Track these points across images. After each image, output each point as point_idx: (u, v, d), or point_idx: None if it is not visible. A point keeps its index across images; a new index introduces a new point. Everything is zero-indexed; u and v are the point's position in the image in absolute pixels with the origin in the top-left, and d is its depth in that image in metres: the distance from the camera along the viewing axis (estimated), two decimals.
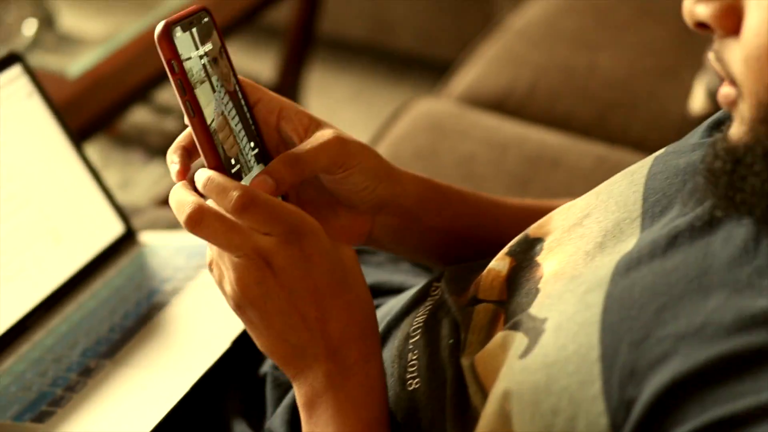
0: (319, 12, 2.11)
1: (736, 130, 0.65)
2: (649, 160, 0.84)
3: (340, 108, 2.75)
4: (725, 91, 0.64)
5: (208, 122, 0.76)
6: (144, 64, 1.69)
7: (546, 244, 0.82)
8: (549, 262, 0.79)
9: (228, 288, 0.75)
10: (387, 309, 0.92)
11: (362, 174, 0.83)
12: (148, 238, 1.15)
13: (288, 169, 0.77)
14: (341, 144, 0.80)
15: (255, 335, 0.76)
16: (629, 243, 0.75)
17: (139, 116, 2.48)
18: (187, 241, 1.13)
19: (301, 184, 0.83)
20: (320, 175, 0.82)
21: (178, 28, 0.75)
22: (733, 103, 0.64)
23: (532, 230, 0.84)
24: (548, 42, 1.84)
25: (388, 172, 0.86)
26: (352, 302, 0.76)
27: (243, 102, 0.80)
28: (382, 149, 1.55)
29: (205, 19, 0.78)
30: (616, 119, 1.70)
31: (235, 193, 0.72)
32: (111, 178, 2.42)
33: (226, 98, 0.79)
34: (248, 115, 0.81)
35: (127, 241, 1.13)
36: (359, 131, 1.71)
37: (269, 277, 0.73)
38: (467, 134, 1.55)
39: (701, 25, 0.63)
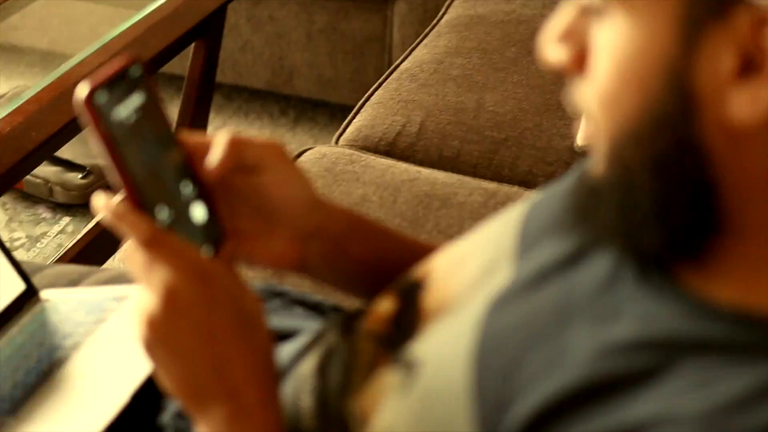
0: (217, 61, 2.14)
1: (595, 166, 0.67)
2: (527, 201, 0.87)
3: None
4: (584, 127, 0.67)
5: (137, 176, 0.75)
6: (47, 121, 1.68)
7: (427, 284, 0.84)
8: (429, 301, 0.82)
9: (138, 324, 0.76)
10: (282, 354, 0.94)
11: (292, 189, 0.86)
12: (49, 294, 1.16)
13: (228, 146, 0.81)
14: (283, 148, 0.85)
15: (161, 373, 0.78)
16: (503, 280, 0.77)
17: (45, 171, 2.47)
18: (87, 296, 1.14)
19: (234, 167, 0.84)
20: (257, 193, 0.85)
21: (104, 89, 0.73)
22: (592, 140, 0.67)
23: (416, 271, 0.87)
24: (437, 83, 1.87)
25: (317, 200, 0.89)
26: (254, 347, 0.78)
27: (176, 149, 0.80)
28: None
29: (137, 71, 0.76)
30: (505, 156, 1.73)
31: (145, 229, 0.75)
32: (16, 233, 2.42)
33: (158, 147, 0.78)
34: (184, 162, 0.80)
35: (28, 299, 1.14)
36: None
37: (174, 316, 0.75)
38: (359, 178, 1.57)
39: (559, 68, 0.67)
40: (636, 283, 0.68)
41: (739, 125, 0.58)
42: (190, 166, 0.80)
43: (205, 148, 0.81)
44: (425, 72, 1.91)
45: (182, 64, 2.16)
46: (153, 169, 0.77)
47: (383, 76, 1.94)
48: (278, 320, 1.08)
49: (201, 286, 0.76)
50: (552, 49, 0.67)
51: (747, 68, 0.57)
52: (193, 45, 2.06)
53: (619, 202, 0.65)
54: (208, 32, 2.04)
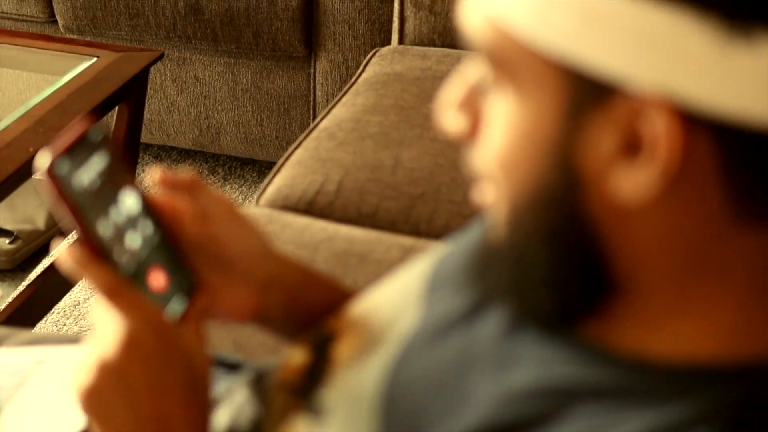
0: (141, 123, 2.16)
1: (494, 228, 0.69)
2: (436, 252, 0.89)
3: None
4: (483, 191, 0.69)
5: (101, 238, 0.75)
6: None
7: (339, 334, 0.86)
8: (341, 351, 0.83)
9: (89, 369, 0.77)
10: None
11: (244, 239, 0.88)
12: None
13: (184, 178, 0.84)
14: (235, 207, 0.88)
15: (100, 426, 0.77)
16: (410, 331, 0.79)
17: None
18: (6, 359, 1.15)
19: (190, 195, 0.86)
20: (213, 244, 0.87)
21: (65, 157, 0.73)
22: (491, 203, 0.69)
23: (328, 322, 0.89)
24: (355, 141, 1.88)
25: (270, 250, 0.91)
26: (198, 407, 0.79)
27: (142, 205, 0.80)
28: None
29: (98, 134, 0.76)
30: (422, 211, 1.74)
31: (107, 279, 0.76)
32: None
33: (123, 206, 0.78)
34: (150, 217, 0.80)
35: None
36: None
37: (129, 363, 0.76)
38: (278, 238, 1.58)
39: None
40: (535, 331, 0.70)
41: (622, 203, 0.60)
42: (157, 219, 0.81)
43: (171, 204, 0.83)
44: (344, 130, 1.92)
45: (110, 125, 2.18)
46: (119, 228, 0.77)
47: (302, 136, 1.95)
48: None
49: (158, 339, 0.77)
50: (449, 117, 0.69)
51: (630, 151, 0.59)
52: (116, 108, 2.08)
53: (514, 266, 0.67)
54: (130, 96, 2.06)
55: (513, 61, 0.61)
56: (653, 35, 0.56)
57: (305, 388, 0.83)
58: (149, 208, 0.80)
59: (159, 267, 0.80)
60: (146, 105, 2.24)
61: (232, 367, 1.14)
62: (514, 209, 0.66)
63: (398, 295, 0.86)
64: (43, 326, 2.34)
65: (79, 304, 2.42)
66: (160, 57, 2.12)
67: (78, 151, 0.74)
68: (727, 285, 0.64)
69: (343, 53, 2.60)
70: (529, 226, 0.65)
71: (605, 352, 0.66)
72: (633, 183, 0.59)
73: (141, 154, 2.89)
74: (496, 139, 0.65)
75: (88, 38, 2.70)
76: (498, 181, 0.66)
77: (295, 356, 0.88)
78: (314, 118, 2.68)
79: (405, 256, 1.55)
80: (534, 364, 0.68)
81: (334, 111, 2.04)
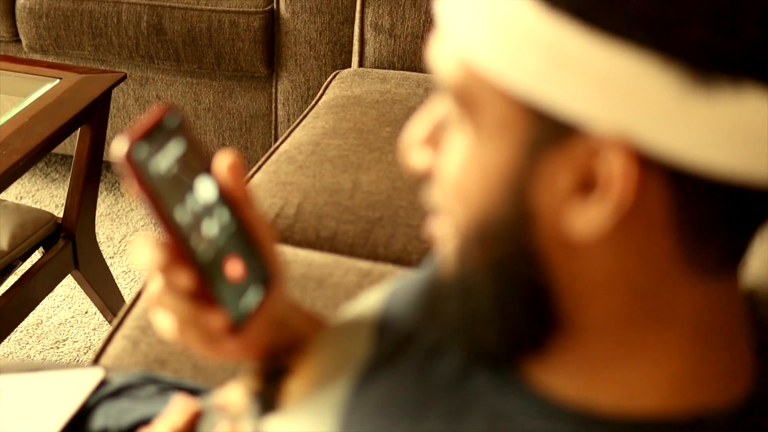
0: (104, 143, 2.16)
1: (444, 264, 0.70)
2: (384, 290, 0.90)
3: (135, 232, 2.78)
4: (437, 225, 0.71)
5: (179, 224, 0.74)
6: None
7: (293, 368, 0.87)
8: (292, 386, 0.84)
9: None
10: None
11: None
12: None
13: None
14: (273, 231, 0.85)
15: None
16: (361, 367, 0.80)
17: None
18: None
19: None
20: None
21: (143, 142, 0.72)
22: (443, 237, 0.70)
23: (283, 357, 0.90)
24: (314, 165, 1.89)
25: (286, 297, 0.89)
26: None
27: (218, 189, 0.78)
28: None
29: (174, 120, 0.75)
30: (380, 235, 1.75)
31: (184, 279, 0.75)
32: None
33: (199, 193, 0.76)
34: (225, 201, 0.78)
35: None
36: None
37: None
38: None
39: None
40: (486, 379, 0.71)
41: (574, 239, 0.61)
42: (233, 207, 0.79)
43: (244, 192, 0.80)
44: (303, 154, 1.93)
45: (73, 144, 2.19)
46: (196, 215, 0.76)
47: (263, 159, 1.96)
48: (154, 408, 1.11)
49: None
50: (414, 154, 0.70)
51: (584, 189, 0.60)
52: (79, 129, 2.09)
53: (461, 299, 0.68)
54: (93, 117, 2.06)
55: (478, 99, 0.62)
56: (617, 78, 0.57)
57: (251, 418, 0.85)
58: (225, 195, 0.79)
59: (236, 256, 0.78)
60: (109, 124, 2.25)
61: (193, 393, 1.16)
62: (465, 240, 0.66)
63: (351, 330, 0.87)
64: (6, 345, 2.35)
65: (42, 323, 2.43)
66: (123, 78, 2.13)
67: (155, 136, 0.73)
68: (674, 333, 0.64)
69: (304, 74, 2.62)
70: (479, 257, 0.66)
71: (555, 402, 0.67)
72: (585, 219, 0.60)
73: (104, 173, 2.90)
74: (453, 169, 0.65)
75: (51, 57, 2.72)
76: (451, 211, 0.67)
77: (245, 383, 0.90)
78: (276, 137, 2.70)
79: (362, 280, 1.56)
80: (485, 418, 0.68)
81: (294, 134, 2.05)
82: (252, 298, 0.79)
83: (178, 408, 0.81)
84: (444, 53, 0.64)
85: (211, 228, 0.76)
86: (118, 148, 0.70)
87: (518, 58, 0.59)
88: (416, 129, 0.70)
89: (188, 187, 0.75)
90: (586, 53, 0.57)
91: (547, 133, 0.60)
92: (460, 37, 0.62)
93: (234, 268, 0.77)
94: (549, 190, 0.61)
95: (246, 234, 0.80)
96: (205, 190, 0.77)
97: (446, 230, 0.69)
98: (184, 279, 0.75)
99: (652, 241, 0.61)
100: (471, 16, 0.61)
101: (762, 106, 0.57)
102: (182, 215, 0.74)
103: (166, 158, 0.74)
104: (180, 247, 0.74)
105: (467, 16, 0.61)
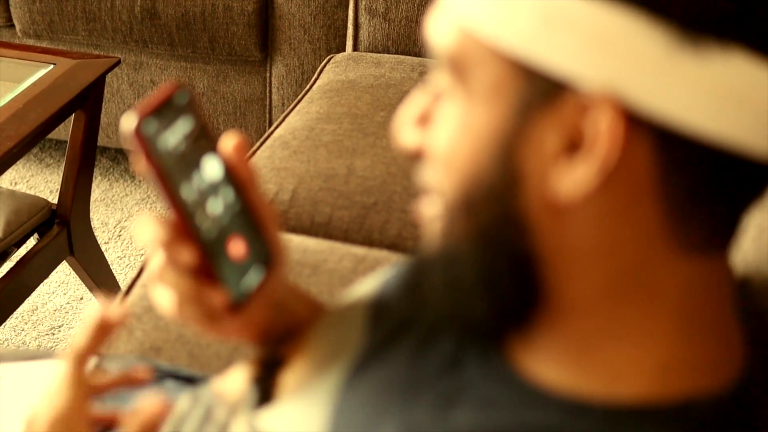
0: (98, 128, 2.15)
1: (431, 242, 0.71)
2: (377, 278, 0.90)
3: (130, 217, 2.78)
4: (427, 204, 0.71)
5: (185, 201, 0.74)
6: None
7: (288, 360, 0.87)
8: (288, 375, 0.85)
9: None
10: None
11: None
12: None
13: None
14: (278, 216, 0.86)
15: None
16: (355, 355, 0.80)
17: None
18: None
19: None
20: None
21: (151, 118, 0.72)
22: (432, 219, 0.71)
23: (281, 348, 0.90)
24: (309, 150, 1.89)
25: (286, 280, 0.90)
26: None
27: (224, 169, 0.78)
28: None
29: (183, 97, 0.75)
30: (374, 221, 1.75)
31: (186, 256, 0.76)
32: None
33: (205, 172, 0.76)
34: (231, 181, 0.79)
35: None
36: None
37: None
38: None
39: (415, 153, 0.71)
40: (475, 366, 0.71)
41: (560, 201, 0.62)
42: (238, 187, 0.80)
43: (250, 172, 0.81)
44: (297, 139, 1.93)
45: (67, 130, 2.18)
46: (201, 193, 0.76)
47: (257, 144, 1.95)
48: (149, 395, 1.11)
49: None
50: (407, 133, 0.71)
51: (571, 149, 0.61)
52: (73, 115, 2.08)
53: (447, 269, 0.68)
54: (86, 102, 2.06)
55: (472, 63, 0.64)
56: (606, 36, 0.58)
57: (248, 401, 0.85)
58: (230, 175, 0.79)
59: (239, 235, 0.79)
60: (103, 109, 2.24)
61: (188, 380, 1.17)
62: (451, 210, 0.67)
63: (345, 319, 0.87)
64: (2, 331, 2.35)
65: (37, 309, 2.43)
66: (117, 63, 2.12)
67: (164, 112, 0.74)
68: (659, 314, 0.65)
69: (298, 58, 2.62)
70: (465, 226, 0.66)
71: (542, 390, 0.67)
72: (571, 179, 0.61)
73: (98, 157, 2.90)
74: (444, 138, 0.67)
75: (45, 42, 2.71)
76: (441, 184, 0.68)
77: (242, 371, 0.90)
78: (270, 122, 2.69)
79: (357, 266, 1.56)
80: (474, 406, 0.68)
81: (289, 119, 2.04)
82: (253, 278, 0.80)
83: (144, 406, 0.82)
84: (441, 22, 0.66)
85: (215, 206, 0.77)
86: (127, 122, 0.71)
87: (511, 18, 0.61)
88: (408, 109, 0.71)
89: (195, 165, 0.76)
90: (577, 10, 0.59)
91: (537, 93, 0.61)
92: (456, 2, 0.64)
93: (236, 248, 0.78)
94: (537, 150, 0.62)
95: (249, 214, 0.80)
96: (211, 168, 0.77)
97: (435, 209, 0.70)
98: (187, 255, 0.75)
99: (638, 208, 0.62)
100: None
101: (748, 70, 0.58)
102: (188, 192, 0.75)
103: (175, 135, 0.74)
104: (184, 224, 0.75)
105: None
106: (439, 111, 0.68)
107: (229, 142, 0.79)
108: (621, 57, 0.58)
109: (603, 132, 0.59)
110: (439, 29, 0.66)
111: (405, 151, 0.72)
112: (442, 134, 0.67)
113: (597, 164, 0.60)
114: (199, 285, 0.77)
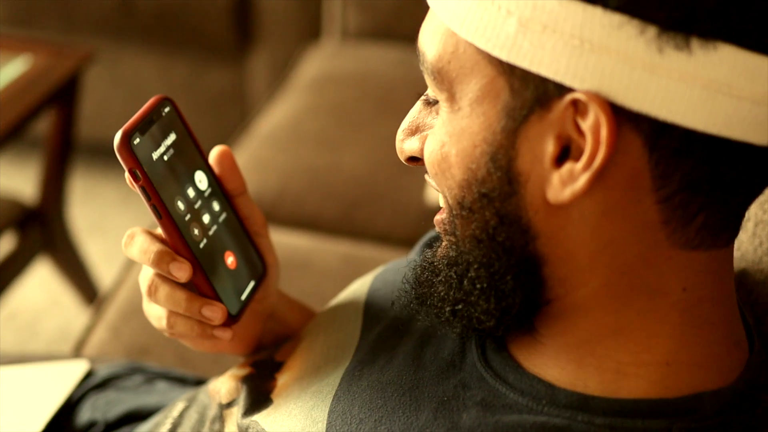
0: (74, 123, 2.13)
1: (440, 248, 0.71)
2: (370, 277, 0.90)
3: (110, 213, 2.75)
4: (437, 217, 0.71)
5: (176, 215, 0.75)
6: None
7: (284, 363, 0.86)
8: (283, 377, 0.84)
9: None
10: (146, 429, 0.96)
11: (274, 268, 0.87)
12: None
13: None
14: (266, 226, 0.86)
15: None
16: (351, 359, 0.80)
17: None
18: None
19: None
20: None
21: (137, 133, 0.73)
22: (440, 224, 0.71)
23: (277, 351, 0.89)
24: (293, 145, 1.87)
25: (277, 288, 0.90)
26: None
27: (211, 179, 0.79)
28: None
29: (167, 110, 0.76)
30: (362, 215, 1.75)
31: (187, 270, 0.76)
32: None
33: (194, 184, 0.77)
34: (219, 191, 0.80)
35: None
36: None
37: None
38: None
39: (413, 159, 0.72)
40: (479, 366, 0.71)
41: (557, 201, 0.63)
42: (227, 200, 0.81)
43: (239, 180, 0.82)
44: (281, 133, 1.91)
45: (45, 124, 2.16)
46: (193, 207, 0.77)
47: (240, 139, 1.95)
48: (141, 398, 1.09)
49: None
50: (406, 143, 0.72)
51: (564, 149, 0.62)
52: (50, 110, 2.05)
53: (452, 274, 0.69)
54: (64, 95, 2.04)
55: (461, 72, 0.64)
56: (594, 38, 0.59)
57: (241, 406, 0.83)
58: (218, 186, 0.80)
59: (230, 247, 0.80)
60: (79, 104, 2.21)
61: (180, 381, 1.15)
62: (452, 211, 0.68)
63: (336, 324, 0.86)
64: None
65: (17, 309, 2.40)
66: (93, 56, 2.10)
67: (149, 126, 0.74)
68: (662, 309, 0.65)
69: (276, 48, 2.59)
70: (469, 230, 0.67)
71: (547, 391, 0.67)
72: (567, 179, 0.62)
73: (77, 154, 2.85)
74: (435, 145, 0.67)
75: (20, 32, 2.67)
76: (442, 190, 0.68)
77: (238, 371, 0.88)
78: (248, 113, 2.67)
79: (345, 262, 1.56)
80: (479, 408, 0.69)
81: (271, 112, 2.03)
82: (245, 289, 0.80)
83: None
84: (430, 30, 0.66)
85: (206, 219, 0.78)
86: (115, 138, 0.72)
87: (499, 22, 0.61)
88: (405, 120, 0.72)
89: (183, 178, 0.76)
90: (558, 14, 0.60)
91: (526, 98, 0.62)
92: (443, 9, 0.64)
93: (228, 260, 0.79)
94: (530, 153, 0.63)
95: (240, 225, 0.81)
96: (200, 181, 0.78)
97: (441, 213, 0.70)
98: (181, 271, 0.76)
99: (635, 204, 0.62)
100: None
101: (736, 60, 0.58)
102: (179, 206, 0.75)
103: (161, 147, 0.74)
104: (177, 238, 0.75)
105: None
106: (433, 119, 0.69)
107: (215, 152, 0.80)
108: (606, 57, 0.59)
109: (593, 131, 0.60)
110: (428, 38, 0.67)
111: (404, 160, 0.73)
112: (435, 142, 0.67)
113: (590, 163, 0.61)
114: (193, 300, 0.78)
